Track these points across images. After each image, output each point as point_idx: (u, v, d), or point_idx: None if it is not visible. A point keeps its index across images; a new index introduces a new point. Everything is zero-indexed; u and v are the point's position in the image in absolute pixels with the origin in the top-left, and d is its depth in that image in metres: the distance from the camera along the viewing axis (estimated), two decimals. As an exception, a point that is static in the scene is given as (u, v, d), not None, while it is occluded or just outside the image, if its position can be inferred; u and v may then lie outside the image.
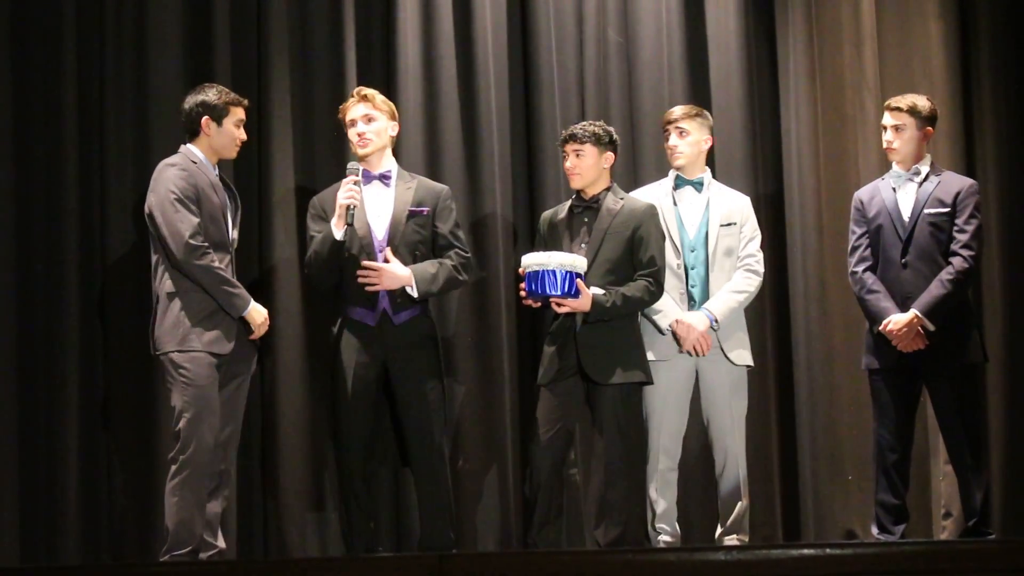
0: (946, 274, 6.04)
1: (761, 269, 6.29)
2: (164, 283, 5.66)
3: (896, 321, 6.03)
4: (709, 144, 6.37)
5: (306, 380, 6.53)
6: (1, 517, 6.04)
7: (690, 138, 6.27)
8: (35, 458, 6.16)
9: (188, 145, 5.82)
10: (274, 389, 6.49)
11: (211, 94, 5.80)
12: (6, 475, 6.06)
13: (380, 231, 6.01)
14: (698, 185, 6.30)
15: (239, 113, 5.84)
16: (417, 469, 6.05)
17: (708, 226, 6.24)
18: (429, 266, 6.02)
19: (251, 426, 6.45)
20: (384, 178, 6.09)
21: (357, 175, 5.97)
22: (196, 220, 5.61)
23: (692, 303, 6.18)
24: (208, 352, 5.61)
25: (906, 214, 6.15)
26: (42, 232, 6.27)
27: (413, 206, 6.06)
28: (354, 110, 6.10)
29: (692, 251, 6.22)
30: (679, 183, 6.31)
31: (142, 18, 6.50)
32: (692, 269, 6.21)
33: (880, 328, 6.06)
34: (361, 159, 6.08)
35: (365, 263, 5.92)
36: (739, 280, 6.21)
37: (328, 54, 6.74)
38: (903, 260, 6.12)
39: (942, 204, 6.12)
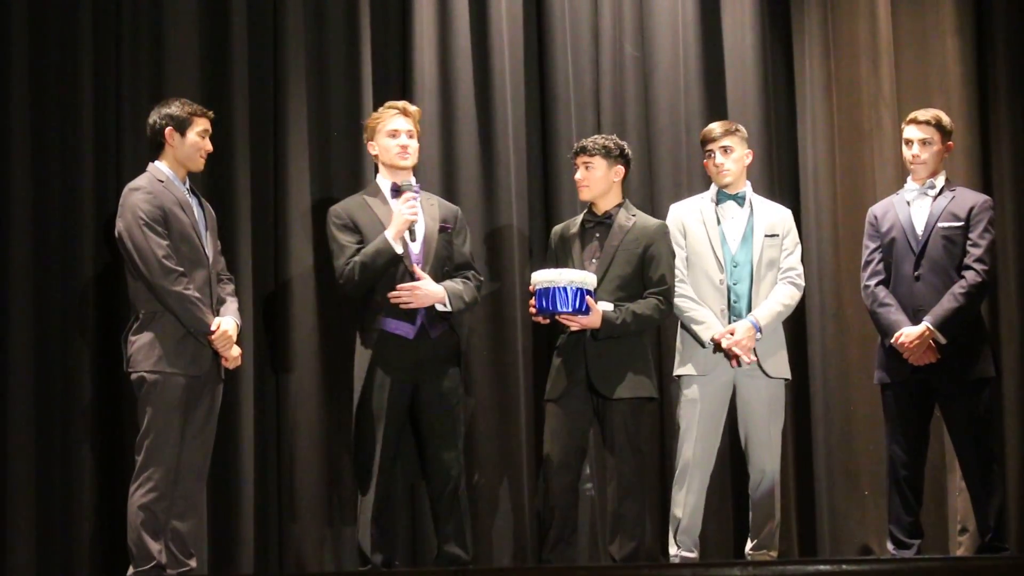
0: (959, 287, 6.03)
1: (802, 283, 6.27)
2: (139, 303, 5.67)
3: (908, 334, 6.02)
4: (750, 158, 6.37)
5: (322, 395, 6.52)
6: (17, 534, 6.03)
7: (735, 154, 6.25)
8: (51, 475, 6.14)
9: (154, 162, 5.82)
10: (289, 403, 6.48)
11: (174, 106, 5.82)
12: (22, 491, 6.05)
13: (415, 245, 6.02)
14: (740, 200, 6.29)
15: (203, 124, 5.85)
16: (435, 483, 6.04)
17: (753, 238, 6.22)
18: (457, 283, 6.05)
19: (266, 441, 6.46)
20: None
21: (414, 191, 5.99)
22: (166, 243, 5.62)
23: (735, 320, 6.16)
24: (180, 374, 5.62)
25: (919, 227, 6.15)
26: (59, 243, 6.27)
27: (441, 222, 6.10)
28: (396, 121, 6.09)
29: (735, 266, 6.20)
30: (721, 198, 6.30)
31: (159, 36, 6.48)
32: (735, 284, 6.20)
33: (892, 341, 6.05)
34: (395, 170, 6.07)
35: (400, 286, 5.92)
36: (783, 292, 6.19)
37: (344, 69, 6.74)
38: (916, 273, 6.11)
39: (956, 218, 6.11)
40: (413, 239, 5.95)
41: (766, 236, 6.23)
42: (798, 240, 6.35)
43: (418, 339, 5.95)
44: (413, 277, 5.95)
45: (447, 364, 6.03)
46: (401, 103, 6.19)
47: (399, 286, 5.92)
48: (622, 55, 7.01)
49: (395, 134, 6.09)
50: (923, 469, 6.18)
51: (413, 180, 6.08)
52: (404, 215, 5.93)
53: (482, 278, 6.27)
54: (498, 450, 6.66)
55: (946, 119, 6.25)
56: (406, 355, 5.94)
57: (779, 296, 6.20)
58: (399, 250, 5.91)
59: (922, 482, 6.17)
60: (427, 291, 5.93)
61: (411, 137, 6.09)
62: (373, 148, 6.15)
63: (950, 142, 6.27)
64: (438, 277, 6.01)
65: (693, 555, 6.13)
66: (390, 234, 5.92)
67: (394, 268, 5.94)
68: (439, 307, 5.97)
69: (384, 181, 6.12)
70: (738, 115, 6.93)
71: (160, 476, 5.57)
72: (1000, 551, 6.02)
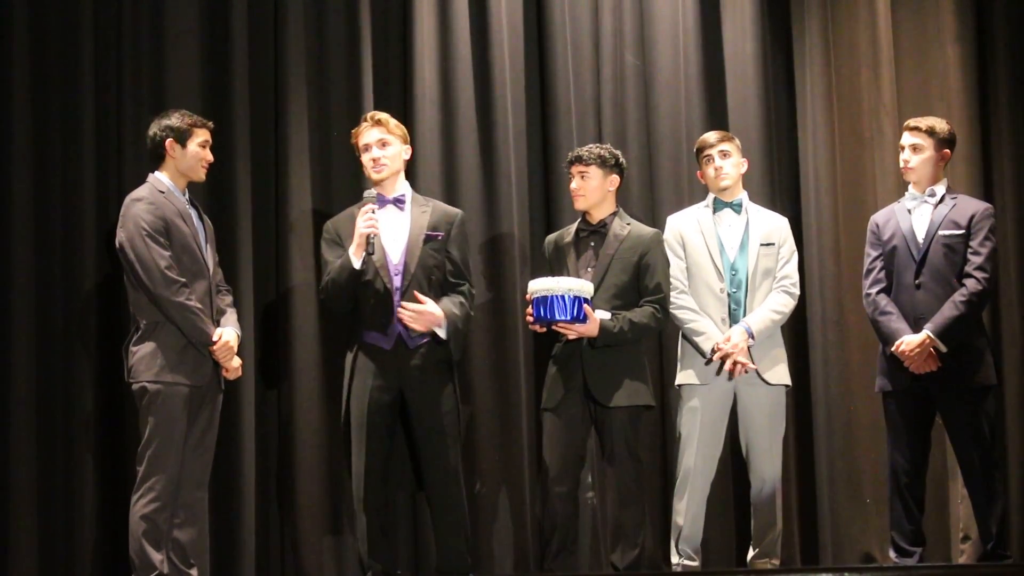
0: (959, 295, 6.03)
1: (797, 292, 6.28)
2: (140, 313, 5.68)
3: (908, 342, 6.02)
4: (745, 167, 6.37)
5: (323, 404, 6.52)
6: (20, 544, 6.04)
7: (733, 159, 6.27)
8: (53, 485, 6.15)
9: (155, 173, 5.82)
10: (291, 412, 6.49)
11: (174, 118, 5.84)
12: (24, 501, 6.06)
13: (396, 255, 6.00)
14: (737, 207, 6.30)
15: (203, 134, 5.86)
16: (432, 494, 6.04)
17: (748, 247, 6.23)
18: (455, 307, 6.01)
19: (268, 450, 6.47)
20: (398, 202, 6.08)
21: (374, 203, 5.96)
22: (168, 254, 5.63)
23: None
24: (182, 384, 5.63)
25: (920, 235, 6.15)
26: (61, 253, 6.27)
27: (429, 230, 6.05)
28: (368, 135, 6.08)
29: (734, 274, 6.21)
30: (718, 206, 6.30)
31: (159, 46, 6.49)
32: (734, 292, 6.20)
33: (892, 349, 6.05)
34: (375, 184, 6.08)
35: (405, 305, 5.89)
36: (777, 300, 6.20)
37: (345, 78, 6.75)
38: (917, 281, 6.11)
39: (957, 226, 6.11)
40: (371, 252, 5.90)
41: (762, 245, 6.24)
42: (794, 249, 6.35)
43: (396, 350, 5.94)
44: (388, 289, 5.93)
45: (435, 374, 5.99)
46: (369, 114, 6.19)
47: (404, 304, 5.91)
48: (623, 64, 7.01)
49: (366, 148, 6.09)
50: (925, 477, 6.17)
51: (375, 192, 6.02)
52: (360, 228, 5.91)
53: (474, 290, 6.21)
54: (499, 459, 6.66)
55: (942, 126, 6.21)
56: (386, 366, 5.93)
57: (772, 304, 6.20)
58: (357, 265, 5.89)
59: (924, 490, 6.16)
60: (432, 314, 5.90)
61: (383, 147, 6.06)
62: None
63: (946, 150, 6.22)
64: (424, 287, 5.97)
65: (695, 563, 6.13)
66: (351, 249, 5.92)
67: (374, 280, 5.93)
68: (438, 331, 5.95)
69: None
70: (739, 123, 6.94)
71: (162, 486, 5.57)
72: (1002, 559, 6.00)
